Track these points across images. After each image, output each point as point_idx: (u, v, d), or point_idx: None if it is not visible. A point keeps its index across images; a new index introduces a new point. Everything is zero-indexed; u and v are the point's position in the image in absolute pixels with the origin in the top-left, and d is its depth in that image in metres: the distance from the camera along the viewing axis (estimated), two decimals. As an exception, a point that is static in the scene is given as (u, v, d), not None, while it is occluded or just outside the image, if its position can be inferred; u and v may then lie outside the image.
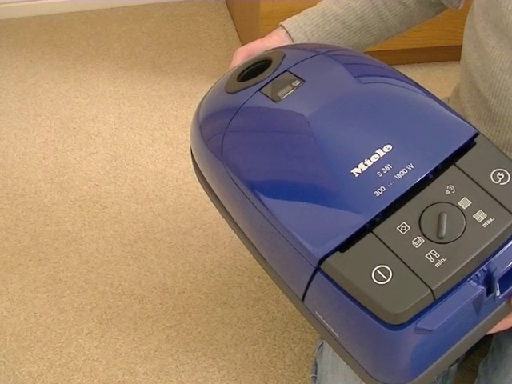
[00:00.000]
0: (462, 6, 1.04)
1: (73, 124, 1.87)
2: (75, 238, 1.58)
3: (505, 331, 0.83)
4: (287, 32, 1.00)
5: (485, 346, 1.10)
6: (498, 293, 0.72)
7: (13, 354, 1.37)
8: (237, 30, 2.18)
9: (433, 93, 0.82)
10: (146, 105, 1.93)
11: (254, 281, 1.49)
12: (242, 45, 2.18)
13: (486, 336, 0.79)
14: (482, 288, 0.70)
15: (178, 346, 1.38)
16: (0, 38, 2.17)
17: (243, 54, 0.96)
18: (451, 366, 1.08)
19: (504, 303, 0.75)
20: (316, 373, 1.13)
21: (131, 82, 2.01)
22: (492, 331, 0.79)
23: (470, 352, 1.09)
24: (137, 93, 1.97)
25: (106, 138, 1.83)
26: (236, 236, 0.88)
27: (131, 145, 1.81)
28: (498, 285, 0.72)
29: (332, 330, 0.75)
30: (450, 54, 2.03)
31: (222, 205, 0.86)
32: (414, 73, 2.01)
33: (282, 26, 1.01)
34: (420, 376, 0.74)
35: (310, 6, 1.05)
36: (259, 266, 0.87)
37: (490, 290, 0.71)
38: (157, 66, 2.07)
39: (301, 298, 0.77)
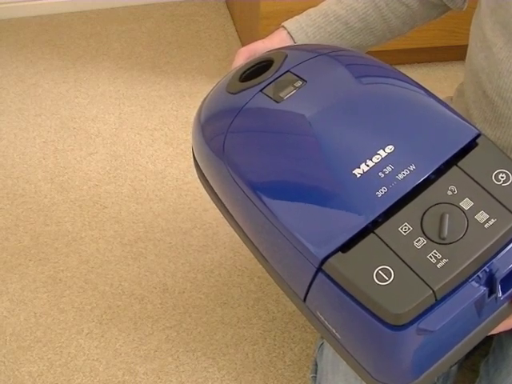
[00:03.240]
0: (466, 6, 1.04)
1: (73, 124, 1.87)
2: (75, 237, 1.58)
3: (506, 332, 0.83)
4: (289, 33, 1.00)
5: (486, 346, 1.10)
6: (499, 294, 0.72)
7: (13, 354, 1.37)
8: (237, 30, 2.18)
9: (434, 93, 0.82)
10: (146, 105, 1.93)
11: (254, 281, 1.49)
12: (242, 45, 2.19)
13: (487, 336, 0.79)
14: (483, 289, 0.70)
15: (178, 346, 1.38)
16: (0, 37, 2.17)
17: (245, 55, 0.96)
18: (452, 366, 1.08)
19: (506, 304, 0.75)
20: (316, 373, 1.13)
21: (131, 82, 2.01)
22: (493, 332, 0.79)
23: (471, 352, 1.09)
24: (137, 93, 1.97)
25: (105, 138, 1.83)
26: (236, 236, 0.88)
27: (131, 145, 1.81)
28: (499, 286, 0.72)
29: (333, 331, 0.75)
30: (450, 54, 2.03)
31: (223, 205, 0.86)
32: (414, 73, 2.01)
33: (283, 26, 1.01)
34: (421, 377, 0.74)
35: (310, 6, 1.04)
36: (259, 266, 0.87)
37: (491, 290, 0.71)
38: (157, 66, 2.06)
39: (302, 298, 0.76)
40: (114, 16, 2.25)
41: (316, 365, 1.14)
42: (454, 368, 1.09)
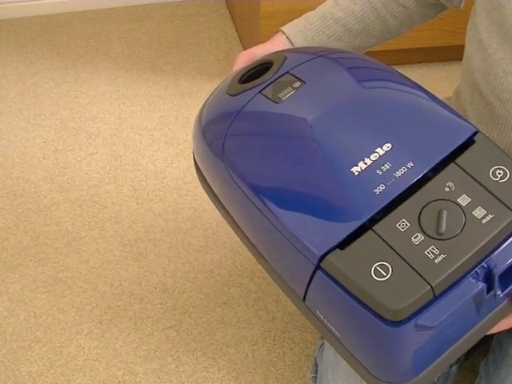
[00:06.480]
0: (462, 5, 1.04)
1: (73, 124, 1.87)
2: (75, 237, 1.58)
3: (506, 331, 0.83)
4: (287, 37, 1.00)
5: (486, 345, 1.10)
6: (498, 290, 0.72)
7: (13, 354, 1.37)
8: (237, 30, 2.18)
9: (433, 93, 0.82)
10: (146, 105, 1.93)
11: (254, 281, 1.49)
12: (242, 45, 2.18)
13: (486, 336, 0.79)
14: (482, 285, 0.70)
15: (178, 346, 1.38)
16: (0, 37, 2.17)
17: (245, 59, 0.96)
18: (452, 366, 1.08)
19: (505, 302, 0.75)
20: (316, 373, 1.13)
21: (131, 82, 2.01)
22: (494, 331, 0.79)
23: (471, 352, 1.08)
24: (137, 93, 1.97)
25: (106, 138, 1.83)
26: (236, 236, 0.88)
27: (131, 145, 1.81)
28: (498, 282, 0.71)
29: (333, 329, 0.75)
30: (450, 53, 2.03)
31: (222, 205, 0.86)
32: (414, 73, 2.01)
33: (282, 31, 1.01)
34: (421, 375, 0.74)
35: (310, 6, 1.04)
36: (259, 266, 0.87)
37: (490, 287, 0.71)
38: (157, 66, 2.06)
39: (302, 297, 0.77)
40: (114, 16, 2.25)
41: (316, 365, 1.14)
42: (454, 368, 1.09)
